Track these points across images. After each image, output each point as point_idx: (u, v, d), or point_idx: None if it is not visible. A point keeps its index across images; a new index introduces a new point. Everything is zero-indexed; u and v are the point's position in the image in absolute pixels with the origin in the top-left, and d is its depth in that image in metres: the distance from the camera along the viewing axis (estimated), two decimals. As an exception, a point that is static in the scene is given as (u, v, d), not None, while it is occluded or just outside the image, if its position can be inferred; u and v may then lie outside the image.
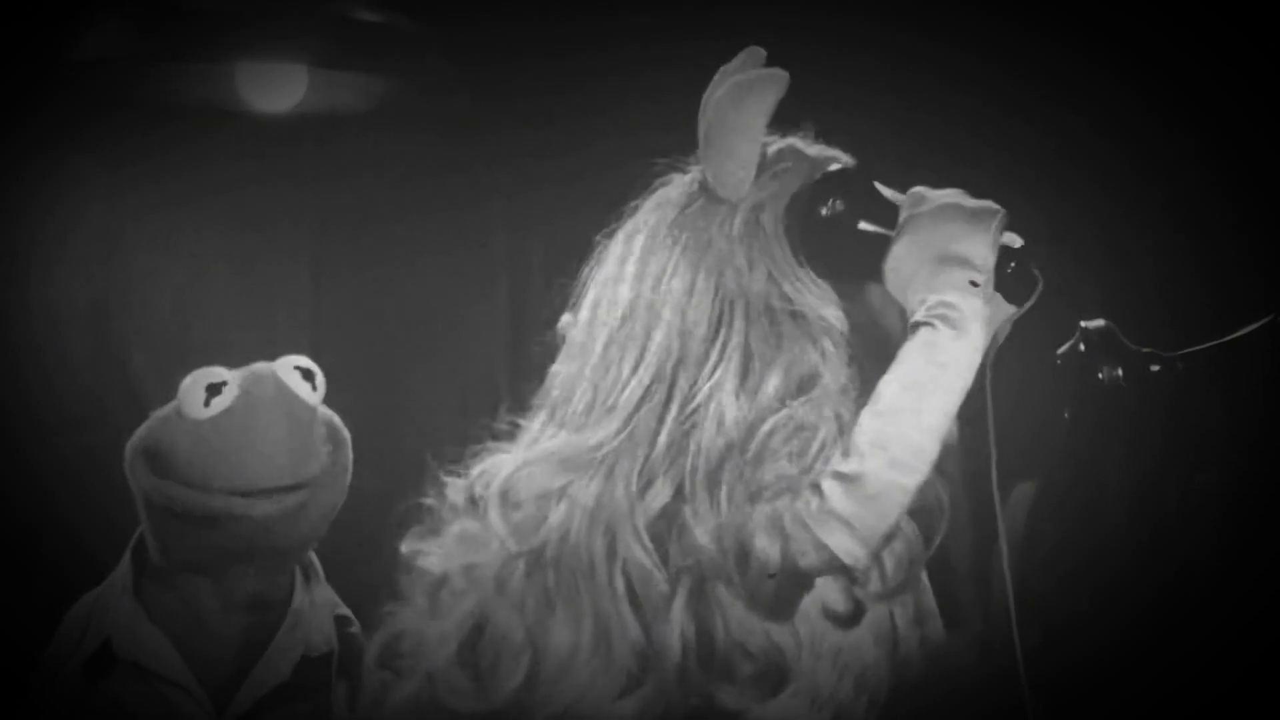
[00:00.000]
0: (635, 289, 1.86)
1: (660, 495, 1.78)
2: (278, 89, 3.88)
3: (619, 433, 1.80)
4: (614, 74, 3.87)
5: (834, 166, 1.89)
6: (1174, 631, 1.93)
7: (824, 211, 1.86)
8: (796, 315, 1.83)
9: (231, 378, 2.57)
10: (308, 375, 2.62)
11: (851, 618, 1.78)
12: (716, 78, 1.90)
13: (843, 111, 2.21)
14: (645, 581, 1.76)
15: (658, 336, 1.83)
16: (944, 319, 1.78)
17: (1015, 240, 1.84)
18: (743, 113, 1.85)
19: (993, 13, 3.46)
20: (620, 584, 1.76)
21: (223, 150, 4.03)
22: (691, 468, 1.77)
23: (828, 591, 1.78)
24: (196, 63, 3.83)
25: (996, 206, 1.83)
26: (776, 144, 1.90)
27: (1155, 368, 1.95)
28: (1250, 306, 2.00)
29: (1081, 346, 1.96)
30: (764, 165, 1.87)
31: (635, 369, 1.83)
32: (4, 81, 3.84)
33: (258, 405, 2.54)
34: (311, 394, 2.61)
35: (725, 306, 1.82)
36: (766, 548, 1.74)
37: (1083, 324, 2.01)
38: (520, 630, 1.78)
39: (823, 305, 1.84)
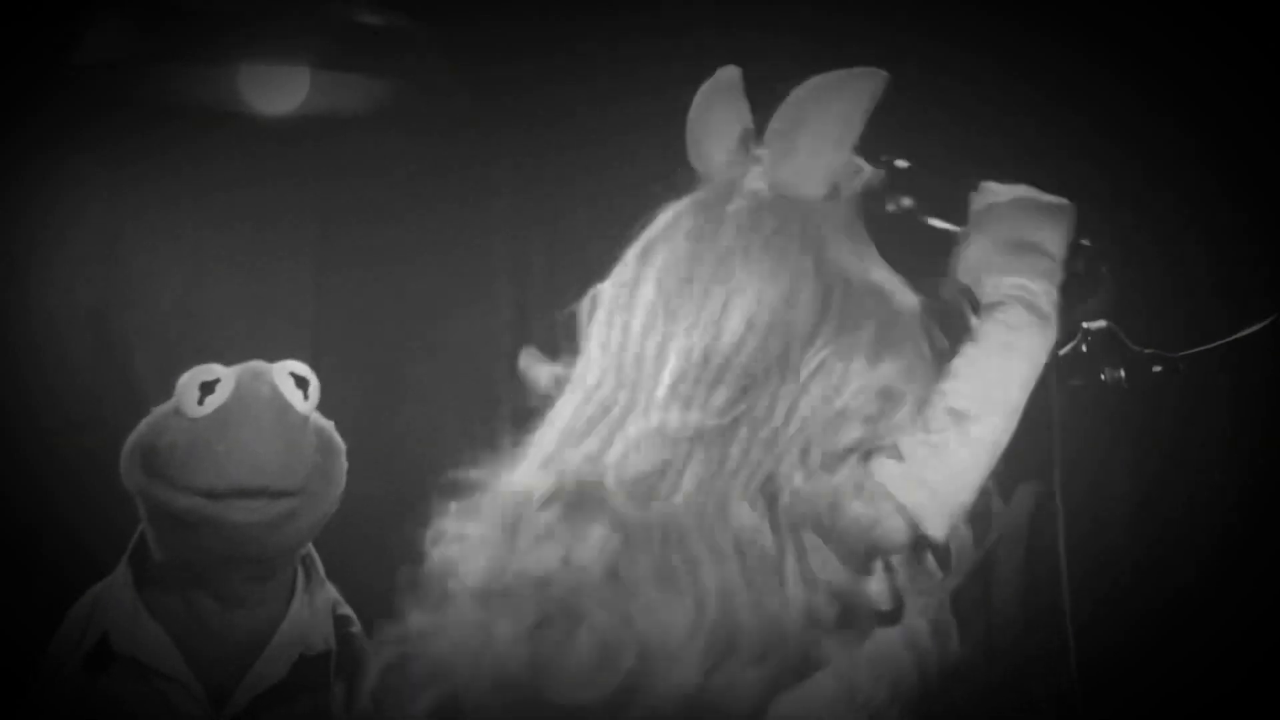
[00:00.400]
0: (714, 269, 1.86)
1: (765, 464, 1.78)
2: (279, 91, 3.88)
3: (726, 410, 1.80)
4: (615, 74, 3.87)
5: (1094, 326, 1.92)
6: (1178, 633, 1.93)
7: (890, 208, 1.88)
8: (882, 295, 1.83)
9: (227, 375, 2.56)
10: (301, 383, 2.62)
11: (892, 616, 1.78)
12: (697, 99, 1.92)
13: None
14: (756, 544, 1.76)
15: (758, 319, 1.83)
16: (1019, 300, 1.80)
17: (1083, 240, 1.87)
18: (838, 111, 1.85)
19: (993, 12, 3.46)
20: (732, 549, 1.76)
21: (224, 152, 4.03)
22: (792, 436, 1.78)
23: (872, 585, 1.78)
24: (197, 64, 3.82)
25: (1068, 202, 1.85)
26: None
27: (1157, 369, 1.95)
28: (1253, 307, 2.00)
29: (1084, 348, 1.96)
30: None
31: (739, 348, 1.83)
32: (4, 82, 3.83)
33: (249, 405, 2.53)
34: (303, 402, 2.60)
35: (825, 289, 1.82)
36: (860, 511, 1.75)
37: (1085, 325, 2.01)
38: (618, 621, 1.77)
39: (903, 290, 1.85)
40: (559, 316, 1.95)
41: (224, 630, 2.56)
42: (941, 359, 1.81)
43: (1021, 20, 3.42)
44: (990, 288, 1.82)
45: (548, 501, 1.83)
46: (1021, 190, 1.86)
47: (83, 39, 3.77)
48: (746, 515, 1.76)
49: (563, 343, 1.96)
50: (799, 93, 1.86)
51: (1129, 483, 2.00)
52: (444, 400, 4.12)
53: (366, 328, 4.17)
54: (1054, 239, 1.83)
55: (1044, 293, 1.81)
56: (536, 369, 1.95)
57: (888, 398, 1.78)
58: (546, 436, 1.88)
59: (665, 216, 1.94)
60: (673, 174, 1.96)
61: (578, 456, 1.82)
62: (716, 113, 1.93)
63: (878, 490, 1.75)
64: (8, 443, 3.86)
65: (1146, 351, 1.96)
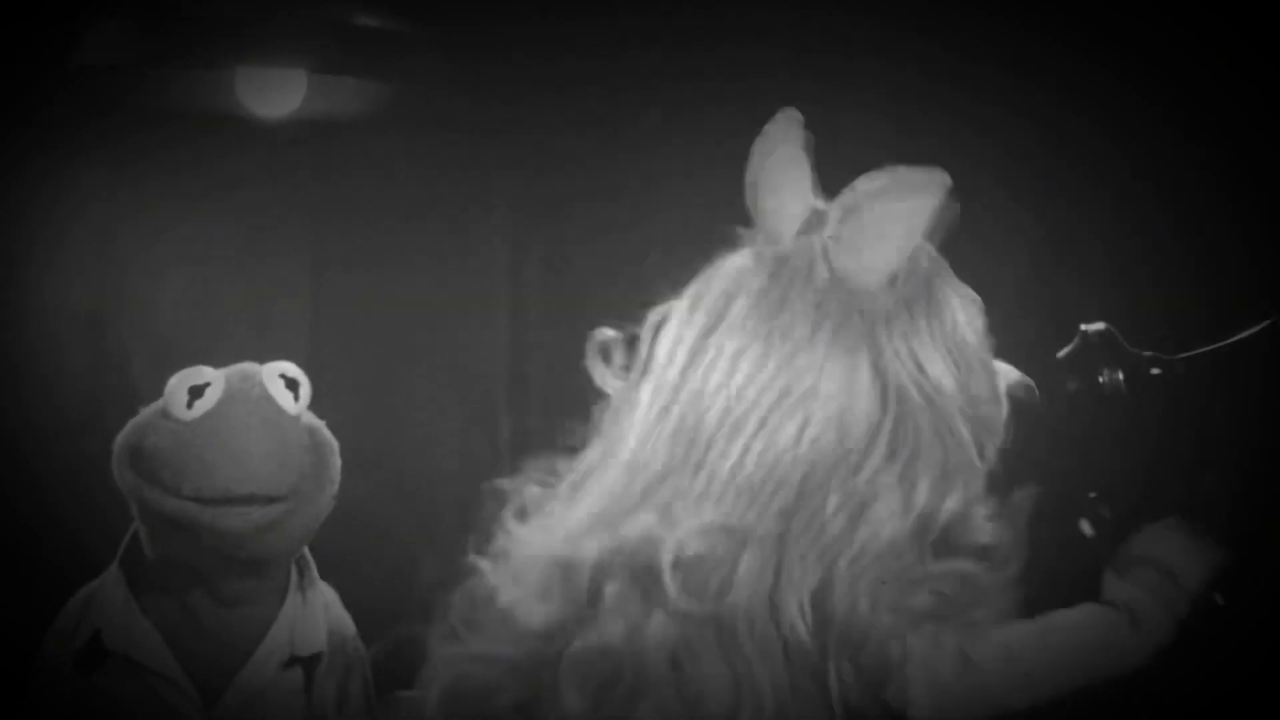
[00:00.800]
0: (775, 368, 1.81)
1: (818, 575, 1.76)
2: (276, 94, 3.88)
3: (787, 512, 1.77)
4: (615, 77, 3.87)
5: (1093, 328, 1.91)
6: (1177, 639, 1.92)
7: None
8: (939, 402, 1.79)
9: (216, 378, 2.55)
10: (292, 384, 2.60)
11: None
12: (758, 143, 1.87)
13: (843, 112, 2.21)
14: (803, 654, 1.75)
15: (817, 415, 1.79)
16: (1134, 615, 1.81)
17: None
18: (902, 212, 1.81)
19: (993, 12, 3.46)
20: (781, 655, 1.75)
21: (221, 154, 4.03)
22: (845, 555, 1.75)
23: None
24: (195, 67, 3.83)
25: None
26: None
27: (1155, 371, 1.94)
28: (1253, 310, 2.00)
29: (1082, 350, 1.96)
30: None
31: (795, 445, 1.78)
32: (3, 84, 3.84)
33: (238, 410, 2.52)
34: (294, 404, 2.58)
35: (884, 393, 1.78)
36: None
37: (1083, 327, 2.00)
38: (681, 704, 1.76)
39: (987, 401, 1.81)
40: (612, 339, 1.90)
41: (217, 629, 2.55)
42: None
43: (1020, 21, 3.42)
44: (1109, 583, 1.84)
45: (602, 573, 1.79)
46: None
47: (81, 41, 3.77)
48: (799, 626, 1.74)
49: (603, 358, 1.92)
50: (864, 188, 1.83)
51: (1126, 486, 2.00)
52: (441, 403, 4.13)
53: (364, 330, 4.17)
54: (1198, 575, 1.85)
55: (1158, 611, 1.82)
56: (604, 371, 1.90)
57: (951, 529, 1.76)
58: (593, 493, 1.82)
59: (730, 272, 1.86)
60: (722, 224, 1.91)
61: (634, 532, 1.78)
62: (779, 166, 1.87)
63: (914, 675, 1.74)
64: (5, 445, 3.86)
65: (1145, 354, 1.96)
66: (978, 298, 1.85)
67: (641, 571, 1.75)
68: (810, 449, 1.76)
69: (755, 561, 1.74)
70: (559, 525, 1.81)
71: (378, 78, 3.88)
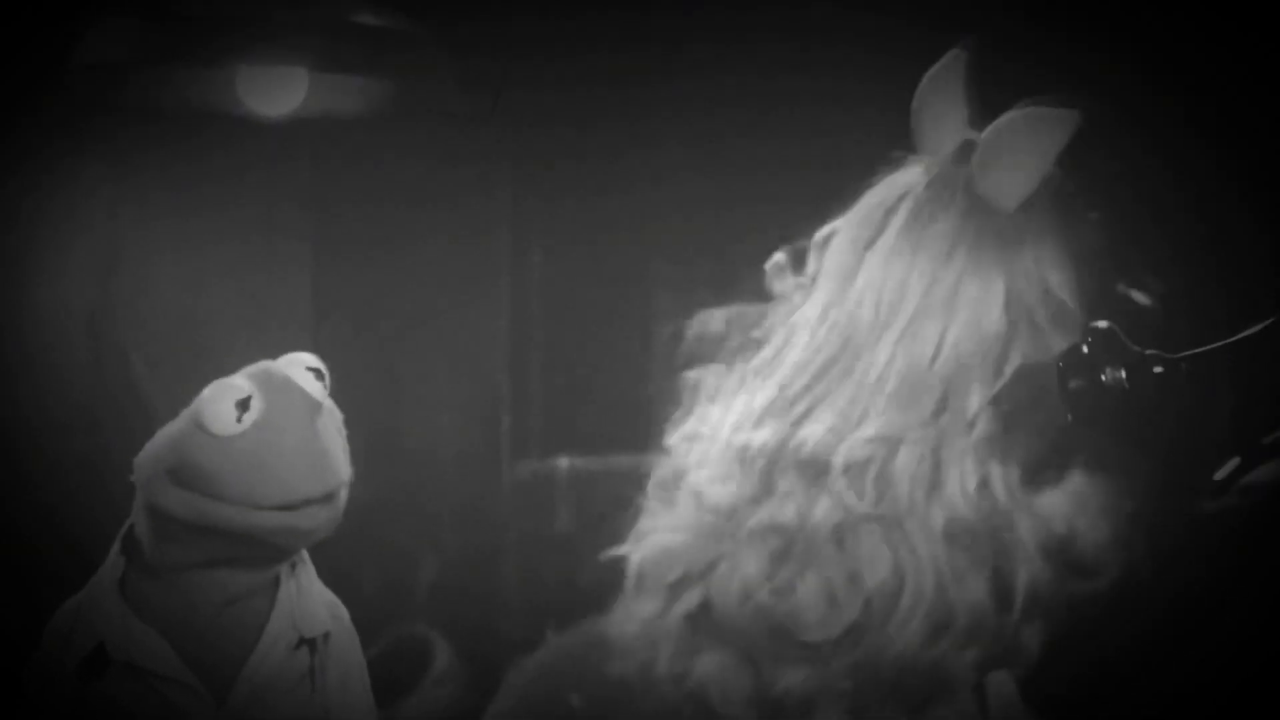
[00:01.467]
0: (922, 287, 1.98)
1: (970, 473, 1.92)
2: (278, 92, 3.88)
3: (936, 412, 1.93)
4: (617, 73, 3.86)
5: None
6: (1178, 639, 1.92)
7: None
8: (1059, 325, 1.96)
9: (252, 389, 2.53)
10: (317, 374, 2.60)
11: None
12: (927, 76, 2.08)
13: (846, 110, 2.20)
14: (964, 534, 1.90)
15: (955, 323, 1.96)
16: None
17: None
18: (1033, 143, 2.02)
19: (1010, 5, 3.45)
20: (942, 537, 1.90)
21: (223, 153, 4.03)
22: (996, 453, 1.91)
23: None
24: (195, 66, 3.82)
25: None
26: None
27: (1158, 369, 1.94)
28: (1256, 307, 1.99)
29: (1084, 349, 1.95)
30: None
31: (937, 351, 1.95)
32: (1, 86, 3.83)
33: (286, 412, 2.50)
34: (323, 393, 2.58)
35: (1011, 311, 1.95)
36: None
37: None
38: (846, 577, 1.92)
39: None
40: (785, 255, 2.06)
41: (216, 624, 2.54)
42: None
43: (1026, 10, 3.42)
44: None
45: (773, 462, 1.96)
46: None
47: (81, 40, 3.76)
48: (960, 505, 1.89)
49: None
50: (1002, 121, 2.02)
51: (1129, 484, 1.99)
52: (444, 399, 4.12)
53: (366, 328, 4.17)
54: None
55: None
56: (786, 276, 2.07)
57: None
58: (766, 386, 2.01)
59: (890, 190, 2.05)
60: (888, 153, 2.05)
61: (802, 432, 1.95)
62: (939, 97, 2.08)
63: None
64: (4, 445, 3.86)
65: (1147, 352, 1.95)
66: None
67: (808, 467, 1.93)
68: (951, 354, 1.92)
69: (912, 463, 1.90)
70: (737, 413, 2.01)
71: (380, 76, 3.87)
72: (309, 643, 2.57)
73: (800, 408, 1.98)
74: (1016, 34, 3.40)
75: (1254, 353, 1.94)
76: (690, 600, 2.03)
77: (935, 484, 1.89)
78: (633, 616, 2.15)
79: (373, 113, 3.95)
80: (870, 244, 2.02)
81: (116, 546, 2.61)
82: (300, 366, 2.55)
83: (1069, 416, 1.94)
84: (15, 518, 3.79)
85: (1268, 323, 1.92)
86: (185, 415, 2.51)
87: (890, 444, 1.91)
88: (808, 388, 1.99)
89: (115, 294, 4.06)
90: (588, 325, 4.14)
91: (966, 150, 2.05)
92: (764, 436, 1.98)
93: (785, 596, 1.93)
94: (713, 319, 2.19)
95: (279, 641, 2.54)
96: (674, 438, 2.08)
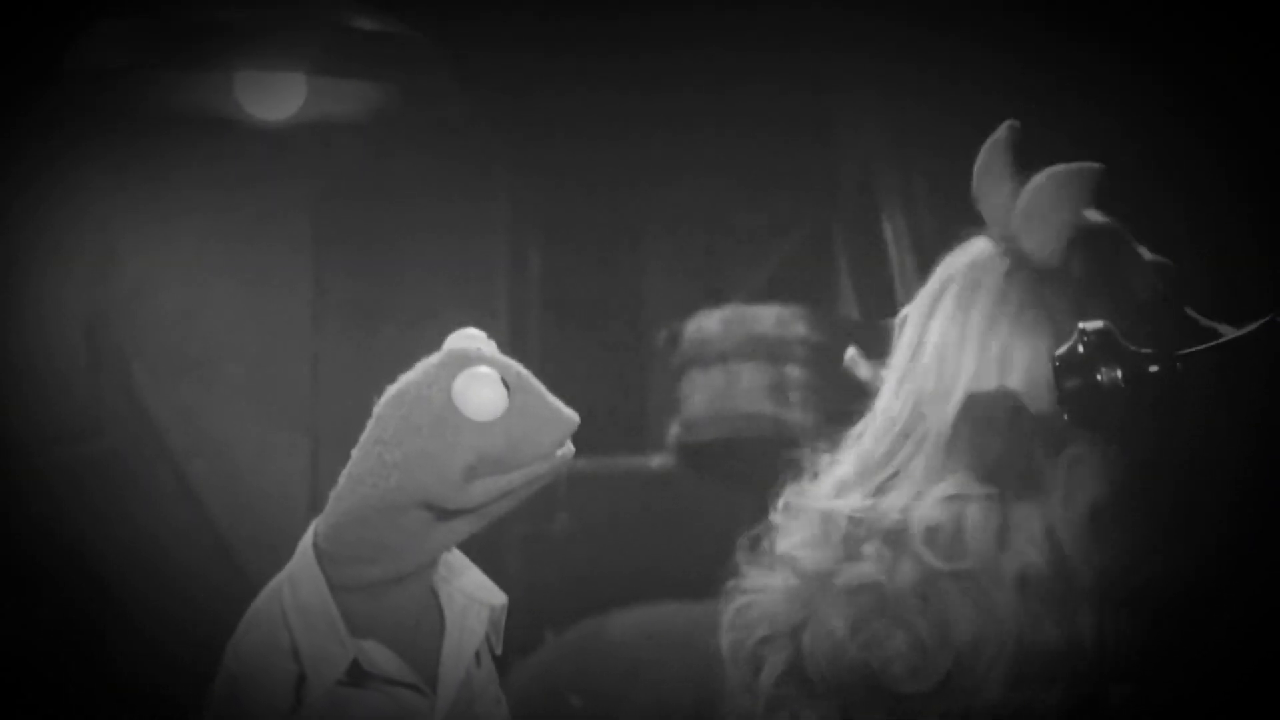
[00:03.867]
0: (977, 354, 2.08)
1: (1036, 521, 2.02)
2: (276, 96, 3.88)
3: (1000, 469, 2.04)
4: (614, 76, 3.87)
5: (1091, 326, 2.00)
6: (1175, 637, 1.92)
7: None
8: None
9: (487, 372, 2.51)
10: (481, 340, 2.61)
11: None
12: (982, 154, 2.12)
13: (851, 107, 2.21)
14: (1038, 582, 1.99)
15: (1009, 385, 2.07)
16: None
17: None
18: (1065, 195, 2.09)
19: (1009, 6, 3.45)
20: (1014, 587, 1.98)
21: (221, 157, 4.04)
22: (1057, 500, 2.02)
23: None
24: (194, 70, 3.83)
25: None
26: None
27: (1154, 368, 1.94)
28: (1251, 306, 1.99)
29: (1080, 348, 1.95)
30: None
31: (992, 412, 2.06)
32: (2, 92, 3.84)
33: (518, 376, 2.50)
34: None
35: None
36: None
37: (1081, 325, 2.00)
38: (937, 629, 2.03)
39: None
40: (877, 326, 2.18)
41: (399, 614, 2.48)
42: None
43: (1025, 11, 3.42)
44: None
45: (858, 526, 2.06)
46: None
47: (79, 44, 3.77)
48: (1030, 554, 1.97)
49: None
50: (1036, 179, 2.07)
51: (1125, 484, 2.00)
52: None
53: (365, 331, 4.18)
54: None
55: None
56: (861, 364, 2.19)
57: None
58: (850, 459, 2.11)
59: (949, 266, 2.13)
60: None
61: (893, 503, 2.05)
62: (994, 172, 2.14)
63: None
64: (7, 450, 3.86)
65: (1143, 351, 1.95)
66: (1165, 261, 2.12)
67: (890, 533, 2.02)
68: (1004, 415, 2.01)
69: (980, 519, 1.98)
70: (827, 482, 2.11)
71: (378, 79, 3.88)
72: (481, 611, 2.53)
73: (881, 476, 2.08)
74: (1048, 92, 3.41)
75: (1250, 352, 1.94)
76: (778, 662, 2.11)
77: (1003, 536, 1.98)
78: (725, 686, 2.26)
79: (371, 117, 3.95)
80: (931, 314, 2.10)
81: (317, 572, 2.49)
82: (476, 339, 2.55)
83: (1065, 416, 1.94)
84: (14, 522, 3.80)
85: (1264, 320, 1.92)
86: (438, 428, 2.43)
87: (962, 502, 1.99)
88: (888, 456, 2.09)
89: (114, 298, 4.07)
90: (585, 327, 4.15)
91: (1010, 201, 2.12)
92: (850, 505, 2.08)
93: (875, 651, 2.02)
94: (709, 320, 2.23)
95: (467, 619, 2.50)
96: (774, 511, 2.22)
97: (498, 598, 2.55)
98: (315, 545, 2.32)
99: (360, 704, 2.39)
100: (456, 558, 2.51)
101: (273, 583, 2.36)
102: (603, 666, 3.65)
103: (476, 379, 2.44)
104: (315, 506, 3.70)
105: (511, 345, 4.28)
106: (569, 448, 2.48)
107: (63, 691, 3.65)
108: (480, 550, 2.39)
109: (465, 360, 2.49)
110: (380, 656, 2.40)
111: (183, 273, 4.13)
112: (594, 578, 3.85)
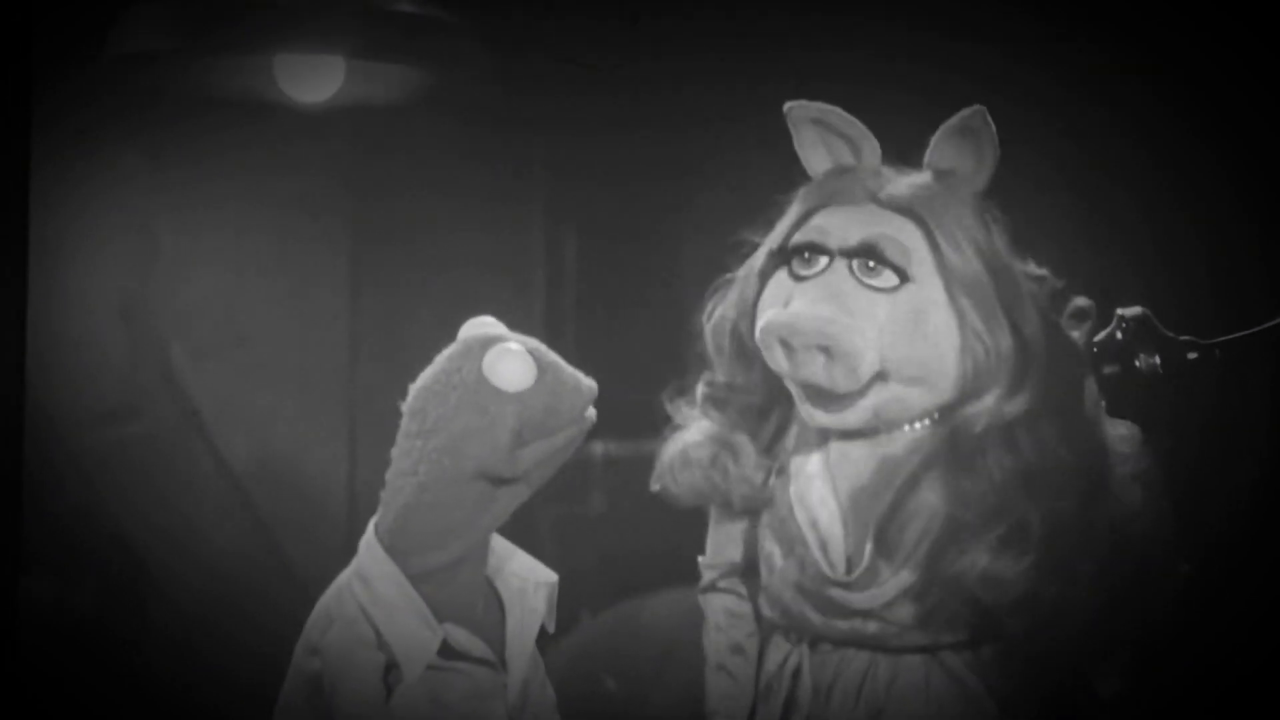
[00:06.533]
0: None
1: None
2: (315, 80, 3.89)
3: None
4: (650, 63, 3.87)
5: (1129, 312, 1.99)
6: (1212, 626, 1.92)
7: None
8: None
9: (516, 349, 2.52)
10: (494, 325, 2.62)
11: None
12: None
13: (852, 105, 2.22)
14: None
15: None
16: None
17: None
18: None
19: (1008, 4, 3.45)
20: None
21: (259, 141, 4.05)
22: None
23: None
24: (233, 54, 3.84)
25: None
26: None
27: (1193, 355, 1.93)
28: (1255, 306, 1.99)
29: (1118, 335, 1.95)
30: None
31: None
32: (41, 74, 3.85)
33: (542, 350, 2.52)
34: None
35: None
36: None
37: (1119, 312, 2.00)
38: None
39: None
40: None
41: (465, 598, 2.49)
42: None
43: (1029, 12, 3.42)
44: None
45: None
46: None
47: (118, 29, 3.78)
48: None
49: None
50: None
51: (1164, 472, 1.99)
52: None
53: (402, 317, 4.18)
54: None
55: None
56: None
57: None
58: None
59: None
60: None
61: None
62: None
63: None
64: (45, 432, 3.87)
65: (1182, 338, 1.95)
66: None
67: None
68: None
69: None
70: None
71: (416, 63, 3.89)
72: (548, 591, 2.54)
73: None
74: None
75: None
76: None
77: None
78: None
79: (409, 100, 3.96)
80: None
81: (391, 565, 2.49)
82: (488, 326, 2.58)
83: (1102, 402, 1.93)
84: (53, 505, 3.82)
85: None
86: (477, 405, 2.45)
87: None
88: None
89: (154, 282, 4.08)
90: (621, 313, 4.15)
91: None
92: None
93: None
94: None
95: (527, 596, 2.52)
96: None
97: (550, 576, 2.56)
98: (380, 542, 2.33)
99: (446, 686, 2.40)
100: (501, 544, 2.53)
101: (336, 583, 2.37)
102: (637, 649, 3.66)
103: (506, 354, 2.47)
104: (353, 487, 3.73)
105: (547, 330, 4.27)
106: (593, 412, 2.52)
107: (104, 672, 3.67)
108: (516, 534, 2.39)
109: (487, 340, 2.52)
110: (462, 636, 2.42)
111: (221, 255, 4.14)
112: (629, 560, 3.86)
